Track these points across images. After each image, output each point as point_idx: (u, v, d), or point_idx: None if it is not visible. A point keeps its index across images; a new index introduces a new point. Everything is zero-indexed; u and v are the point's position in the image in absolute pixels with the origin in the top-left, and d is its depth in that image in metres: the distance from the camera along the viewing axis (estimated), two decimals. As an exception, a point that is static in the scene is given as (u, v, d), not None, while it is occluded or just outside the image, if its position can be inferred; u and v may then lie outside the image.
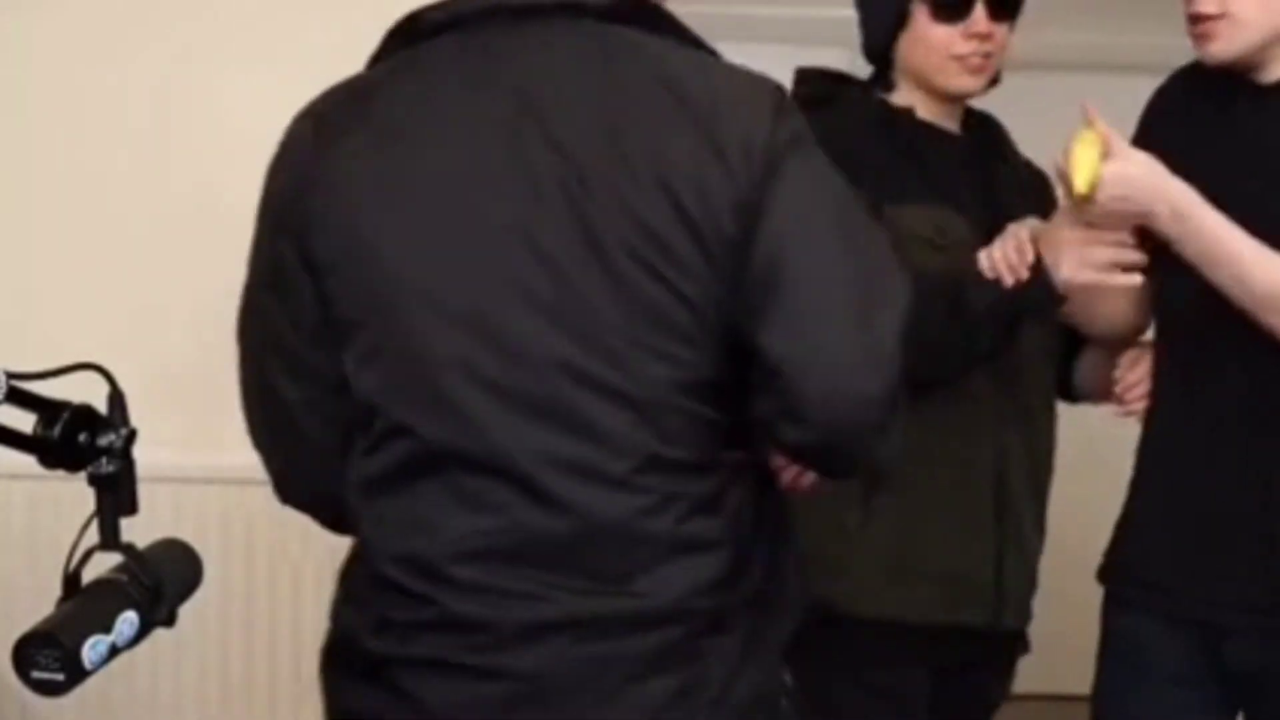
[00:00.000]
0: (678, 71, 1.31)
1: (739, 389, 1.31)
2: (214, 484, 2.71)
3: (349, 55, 2.63)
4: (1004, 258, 1.79)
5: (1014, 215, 1.95)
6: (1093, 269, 1.75)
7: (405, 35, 1.43)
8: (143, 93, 2.78)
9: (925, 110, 2.00)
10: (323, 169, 1.38)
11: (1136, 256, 1.77)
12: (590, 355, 1.26)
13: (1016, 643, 2.11)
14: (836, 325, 1.27)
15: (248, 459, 2.72)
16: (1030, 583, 2.07)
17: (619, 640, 1.29)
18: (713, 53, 1.38)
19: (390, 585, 1.32)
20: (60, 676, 1.19)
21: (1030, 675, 4.43)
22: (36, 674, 1.18)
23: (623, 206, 1.25)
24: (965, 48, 1.92)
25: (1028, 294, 1.76)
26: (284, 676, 2.76)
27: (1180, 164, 1.76)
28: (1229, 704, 1.89)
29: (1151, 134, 1.93)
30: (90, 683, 1.21)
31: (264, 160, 2.94)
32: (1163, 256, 1.77)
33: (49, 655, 1.18)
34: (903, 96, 2.01)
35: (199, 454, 2.70)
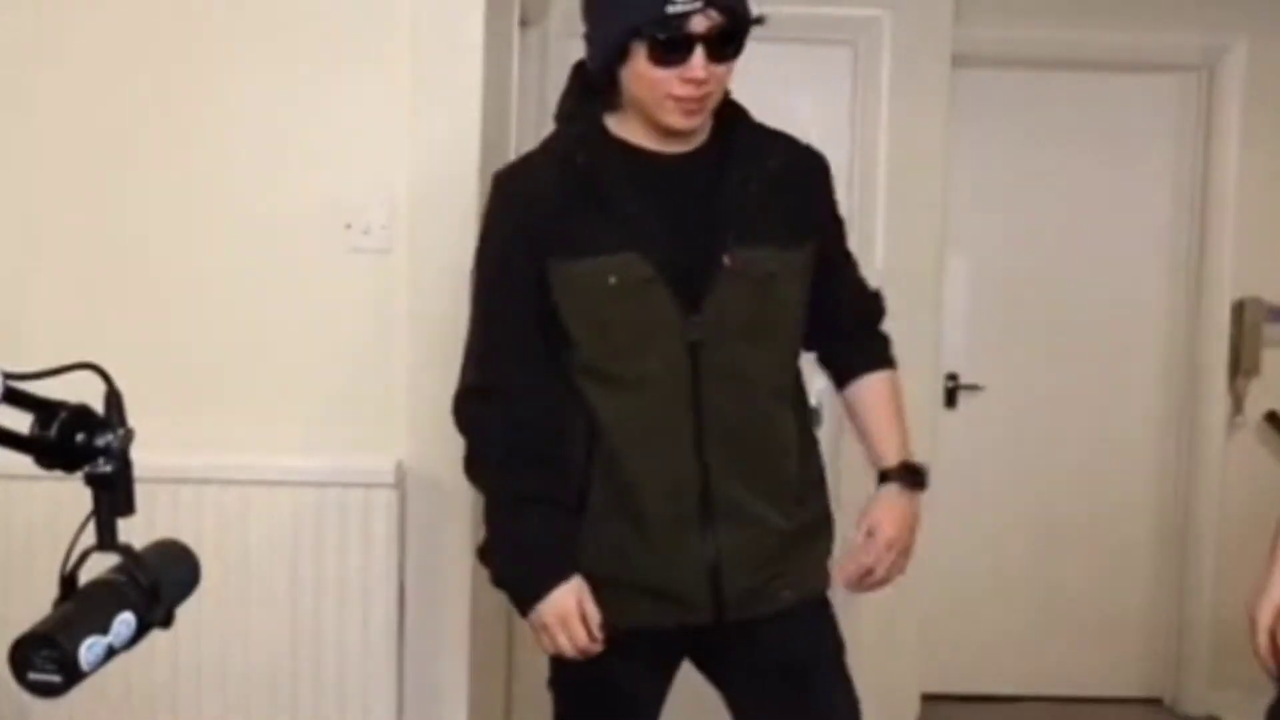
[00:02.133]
0: None
1: None
2: (212, 484, 2.71)
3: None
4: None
5: (734, 225, 1.98)
6: None
7: None
8: (142, 93, 2.77)
9: (643, 134, 2.01)
10: None
11: None
12: None
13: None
14: None
15: (247, 459, 2.74)
16: (763, 574, 2.04)
17: None
18: None
19: None
20: (57, 678, 1.18)
21: (1028, 677, 4.44)
22: (33, 675, 1.18)
23: None
24: (682, 90, 1.91)
25: None
26: (282, 676, 2.75)
27: None
28: None
29: None
30: (87, 683, 1.20)
31: (263, 159, 2.94)
32: None
33: (46, 656, 1.18)
34: (624, 119, 2.02)
35: (198, 454, 2.70)
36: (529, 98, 3.58)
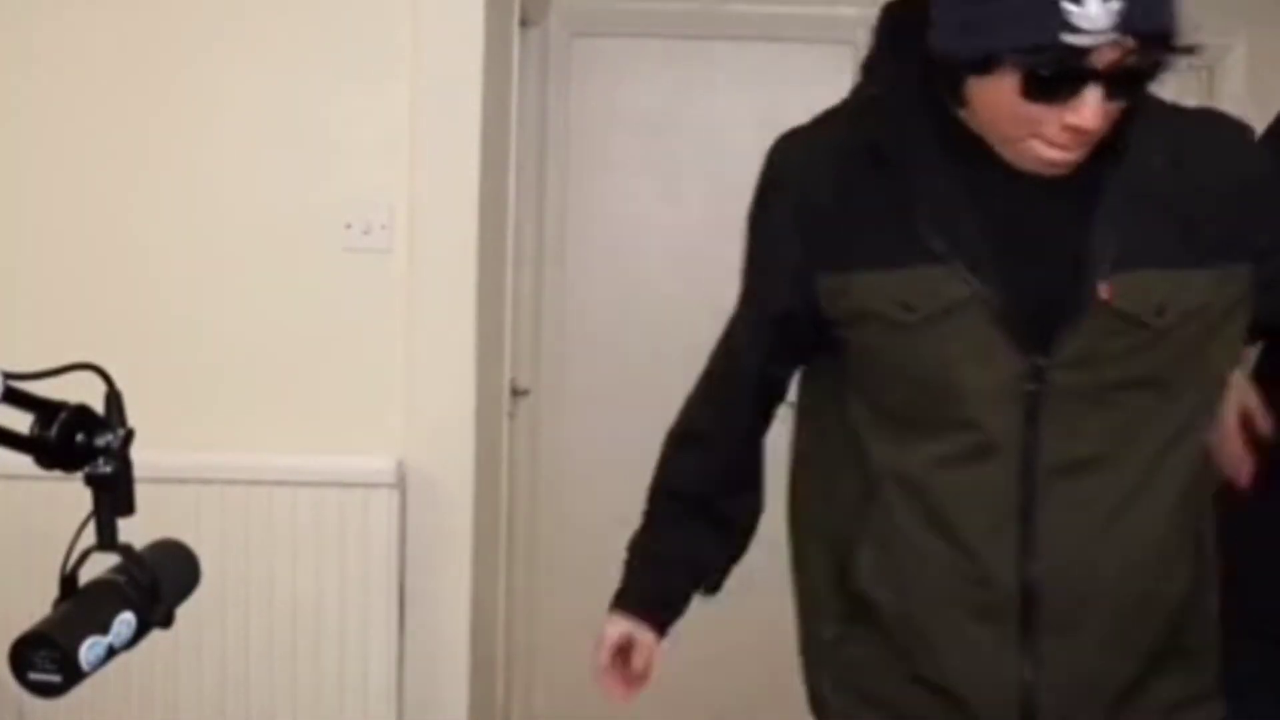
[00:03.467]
0: None
1: None
2: (212, 484, 2.71)
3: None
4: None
5: (1110, 243, 1.40)
6: None
7: None
8: (142, 92, 2.78)
9: None
10: None
11: None
12: None
13: None
14: None
15: (247, 459, 2.74)
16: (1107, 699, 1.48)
17: None
18: None
19: None
20: (57, 678, 1.18)
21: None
22: (33, 675, 1.18)
23: None
24: (1059, 136, 1.35)
25: None
26: (281, 676, 2.75)
27: None
28: None
29: None
30: (87, 683, 1.20)
31: (263, 159, 2.95)
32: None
33: (46, 656, 1.17)
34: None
35: (198, 454, 2.70)
36: (529, 98, 3.58)
